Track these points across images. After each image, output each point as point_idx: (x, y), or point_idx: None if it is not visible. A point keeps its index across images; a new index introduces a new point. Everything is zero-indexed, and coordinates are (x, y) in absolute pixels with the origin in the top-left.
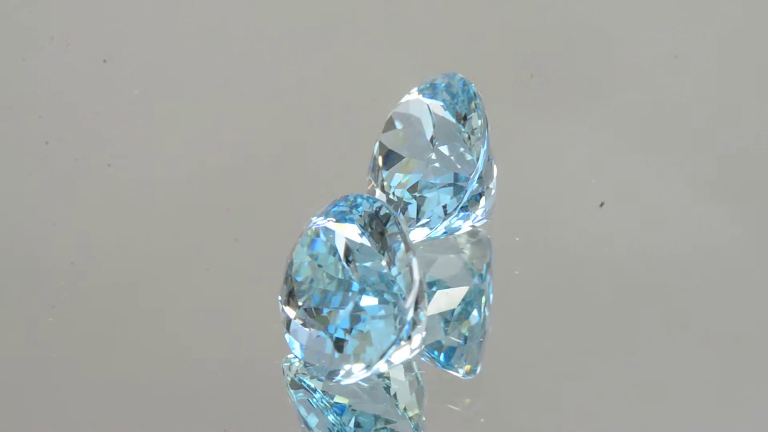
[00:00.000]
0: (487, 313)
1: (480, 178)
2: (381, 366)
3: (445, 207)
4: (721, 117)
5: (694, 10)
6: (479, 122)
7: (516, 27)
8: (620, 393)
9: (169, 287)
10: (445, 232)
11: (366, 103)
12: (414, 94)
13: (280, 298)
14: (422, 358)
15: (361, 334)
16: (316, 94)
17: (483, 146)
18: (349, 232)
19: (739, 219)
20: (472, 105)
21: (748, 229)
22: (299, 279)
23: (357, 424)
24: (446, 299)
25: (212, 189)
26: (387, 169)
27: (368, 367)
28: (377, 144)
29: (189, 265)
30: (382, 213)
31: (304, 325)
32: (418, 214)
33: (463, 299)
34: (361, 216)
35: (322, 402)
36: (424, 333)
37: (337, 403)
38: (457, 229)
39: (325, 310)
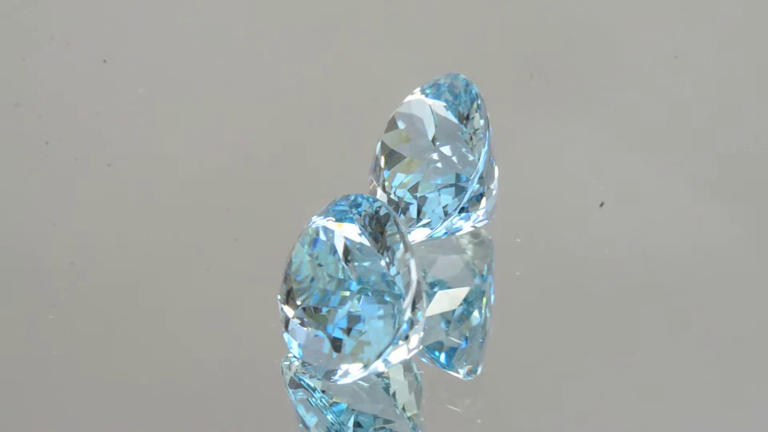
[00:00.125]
0: (488, 314)
1: (481, 178)
2: (379, 366)
3: (445, 207)
4: (721, 117)
5: (694, 10)
6: (481, 123)
7: (516, 27)
8: (620, 393)
9: (169, 287)
10: (446, 233)
11: (366, 103)
12: (416, 94)
13: (279, 297)
14: (423, 359)
15: (358, 334)
16: (316, 94)
17: (484, 147)
18: (348, 232)
19: (739, 219)
20: (474, 105)
21: (748, 229)
22: (298, 278)
23: (356, 424)
24: (447, 300)
25: (212, 189)
26: (388, 169)
27: (366, 366)
28: (379, 144)
29: (189, 265)
30: (381, 213)
31: (302, 324)
32: (419, 214)
33: (465, 300)
34: (360, 216)
35: (321, 401)
36: (421, 333)
37: (336, 402)
38: (459, 229)
39: (324, 310)
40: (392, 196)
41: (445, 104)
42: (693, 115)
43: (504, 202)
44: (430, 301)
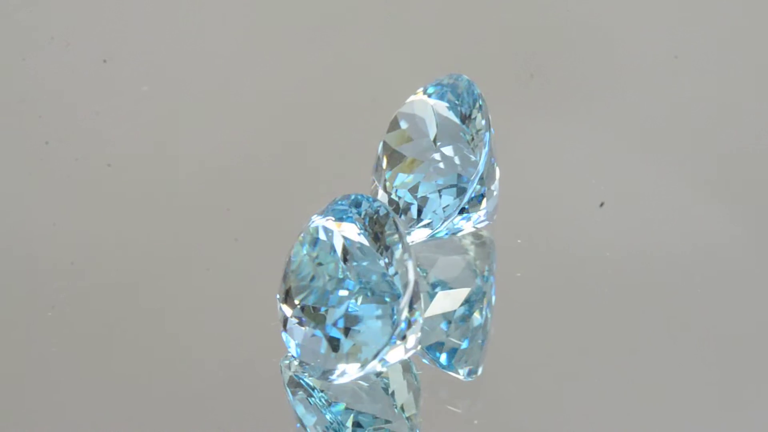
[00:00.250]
0: (489, 315)
1: (481, 179)
2: (376, 366)
3: (446, 208)
4: (721, 117)
5: (694, 10)
6: (482, 123)
7: (516, 27)
8: (621, 394)
9: (169, 287)
10: (447, 233)
11: (366, 103)
12: (419, 95)
13: (278, 296)
14: (424, 360)
15: (356, 334)
16: (316, 94)
17: (485, 148)
18: (348, 232)
19: (739, 219)
20: (476, 106)
21: (748, 229)
22: (297, 277)
23: (355, 424)
24: (448, 300)
25: (212, 189)
26: (390, 169)
27: (363, 366)
28: (381, 144)
29: (189, 265)
30: (381, 213)
31: (300, 323)
32: (420, 214)
33: (466, 300)
34: (360, 216)
35: (320, 401)
36: (419, 333)
37: (335, 402)
38: (460, 230)
39: (322, 309)
40: (393, 196)
41: (447, 105)
42: (693, 115)
43: (504, 202)
44: (431, 301)
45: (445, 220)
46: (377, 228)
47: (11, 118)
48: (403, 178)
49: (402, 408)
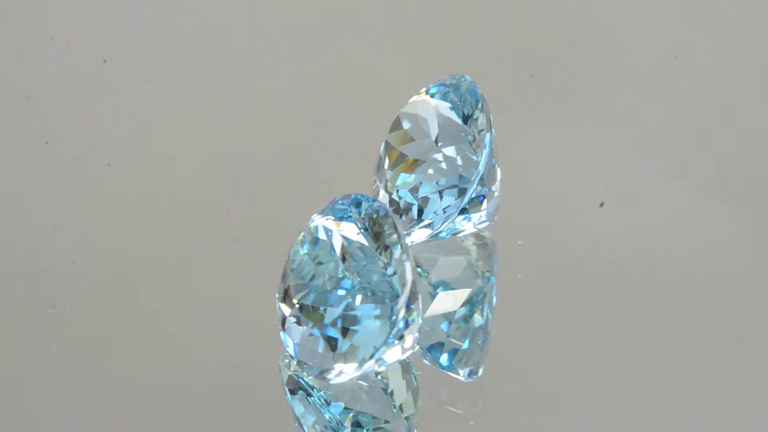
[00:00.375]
0: (490, 316)
1: (482, 180)
2: (373, 365)
3: (447, 208)
4: (721, 117)
5: (694, 10)
6: (484, 124)
7: (516, 27)
8: (621, 394)
9: (169, 287)
10: (448, 234)
11: (366, 104)
12: (422, 95)
13: (277, 295)
14: (425, 361)
15: (353, 333)
16: (316, 94)
17: (485, 148)
18: (347, 231)
19: (739, 219)
20: (478, 107)
21: (748, 229)
22: (296, 276)
23: (353, 423)
24: (449, 300)
25: (212, 189)
26: (392, 169)
27: (360, 366)
28: (383, 144)
29: (189, 265)
30: (380, 213)
31: (298, 323)
32: (421, 215)
33: (467, 301)
34: (360, 216)
35: (319, 400)
36: (417, 333)
37: (334, 401)
38: (461, 230)
39: (320, 308)
40: (394, 196)
41: (449, 105)
42: (693, 115)
43: (505, 202)
44: (431, 301)
45: (445, 221)
46: (377, 228)
47: (11, 118)
48: (405, 178)
49: (401, 408)
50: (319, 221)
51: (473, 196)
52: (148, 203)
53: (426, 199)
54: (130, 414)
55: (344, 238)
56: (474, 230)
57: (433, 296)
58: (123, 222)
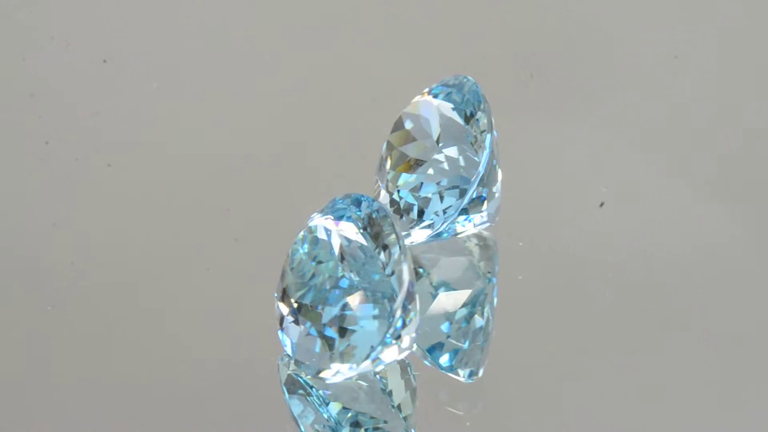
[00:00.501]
0: (490, 317)
1: (481, 180)
2: (370, 365)
3: (448, 209)
4: (721, 117)
5: (694, 10)
6: (485, 125)
7: (516, 27)
8: (622, 395)
9: (169, 287)
10: (448, 234)
11: (366, 104)
12: (424, 95)
13: (276, 294)
14: (426, 362)
15: (351, 333)
16: (316, 94)
17: (486, 149)
18: (346, 231)
19: (739, 219)
20: (480, 108)
21: (748, 229)
22: (294, 276)
23: (352, 423)
24: (450, 301)
25: (212, 189)
26: (393, 169)
27: (357, 366)
28: (385, 143)
29: (189, 265)
30: (380, 213)
31: (295, 322)
32: (421, 215)
33: (467, 302)
34: (359, 216)
35: (318, 399)
36: (414, 334)
37: (332, 401)
38: (461, 231)
39: (318, 308)
40: (395, 197)
41: (452, 106)
42: (693, 115)
43: (505, 203)
44: (432, 302)
45: (446, 222)
46: (376, 228)
47: (11, 118)
48: (406, 179)
49: (399, 408)
50: (318, 221)
51: (474, 196)
52: (148, 203)
53: (427, 200)
54: (130, 414)
55: (343, 237)
56: (475, 231)
57: (434, 297)
58: (123, 222)
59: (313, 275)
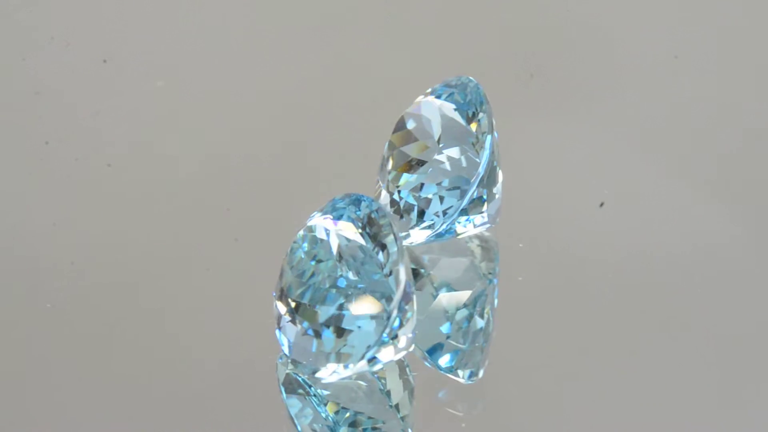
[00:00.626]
0: (490, 317)
1: (482, 181)
2: (367, 365)
3: (448, 209)
4: (721, 117)
5: (694, 10)
6: (486, 126)
7: (516, 27)
8: (622, 396)
9: (169, 287)
10: (449, 235)
11: (366, 104)
12: (427, 95)
13: (274, 293)
14: (426, 363)
15: (347, 333)
16: (316, 94)
17: (486, 150)
18: (345, 231)
19: (739, 219)
20: (482, 109)
21: (748, 229)
22: (293, 275)
23: (349, 423)
24: (450, 301)
25: (212, 189)
26: (395, 169)
27: (353, 365)
28: (387, 143)
29: (189, 265)
30: (378, 213)
31: (292, 321)
32: (422, 216)
33: (468, 302)
34: (358, 215)
35: (316, 399)
36: (410, 334)
37: (330, 400)
38: (462, 232)
39: (315, 307)
40: (395, 197)
41: (454, 106)
42: (693, 115)
43: (505, 204)
44: (433, 302)
45: (446, 222)
46: (374, 228)
47: (11, 118)
48: (407, 179)
49: (397, 408)
50: (318, 220)
51: (475, 197)
52: (148, 203)
53: (427, 200)
54: (129, 414)
55: (342, 237)
56: (475, 232)
57: (434, 297)
58: (123, 222)
59: (312, 274)
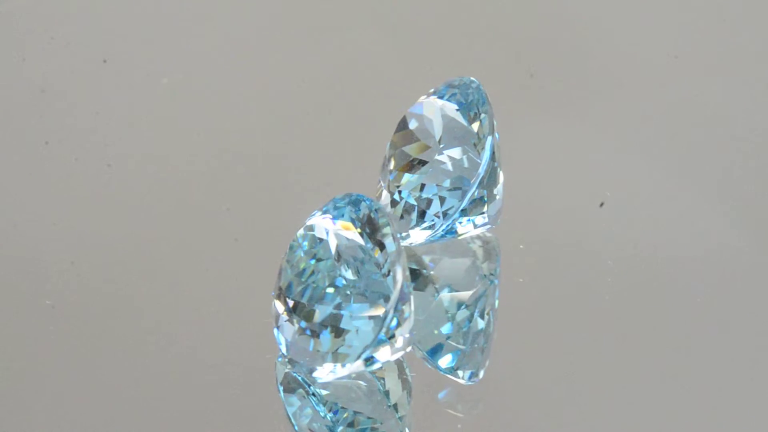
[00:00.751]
0: (491, 318)
1: (482, 182)
2: (364, 365)
3: (448, 210)
4: (721, 117)
5: (694, 10)
6: (487, 127)
7: (516, 27)
8: (622, 397)
9: (168, 287)
10: (449, 235)
11: (367, 104)
12: (430, 96)
13: (273, 292)
14: (427, 364)
15: (344, 332)
16: (316, 94)
17: (486, 151)
18: (344, 231)
19: (740, 219)
20: (484, 110)
21: (749, 229)
22: (291, 274)
23: (348, 422)
24: (451, 302)
25: (212, 189)
26: (396, 169)
27: (350, 365)
28: (389, 143)
29: (189, 265)
30: (378, 214)
31: (290, 321)
32: (423, 216)
33: (469, 303)
34: (358, 215)
35: (314, 399)
36: (408, 334)
37: (329, 400)
38: (463, 233)
39: (312, 307)
40: (396, 197)
41: (456, 107)
42: (693, 115)
43: (506, 205)
44: (434, 302)
45: (446, 223)
46: (373, 228)
47: (11, 118)
48: (408, 179)
49: (395, 408)
50: (317, 219)
51: (476, 198)
52: (148, 203)
53: (428, 201)
54: (129, 413)
55: (341, 237)
56: (476, 233)
57: (435, 297)
58: (123, 222)
59: (311, 273)
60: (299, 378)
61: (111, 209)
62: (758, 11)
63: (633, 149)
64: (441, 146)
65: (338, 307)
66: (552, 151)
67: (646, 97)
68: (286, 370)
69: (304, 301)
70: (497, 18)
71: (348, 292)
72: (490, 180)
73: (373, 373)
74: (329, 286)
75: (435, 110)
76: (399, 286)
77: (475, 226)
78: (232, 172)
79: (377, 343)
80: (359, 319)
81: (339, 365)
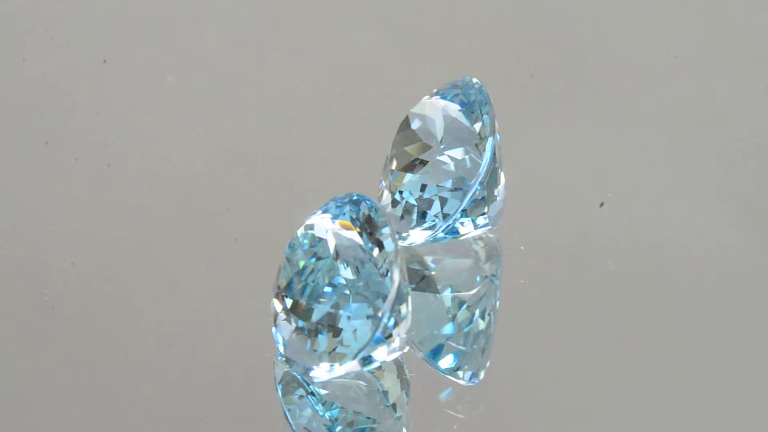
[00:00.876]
0: (492, 319)
1: (482, 183)
2: (360, 364)
3: (449, 210)
4: (721, 117)
5: (694, 10)
6: (488, 128)
7: (516, 27)
8: (623, 398)
9: (168, 287)
10: (450, 235)
11: (367, 104)
12: (432, 96)
13: (272, 292)
14: (429, 366)
15: (341, 332)
16: (317, 94)
17: (488, 152)
18: (343, 230)
19: (740, 219)
20: (486, 111)
21: (749, 229)
22: (290, 273)
23: (347, 422)
24: (452, 303)
25: (212, 189)
26: (398, 169)
27: (347, 364)
28: (391, 143)
29: (188, 265)
30: (377, 213)
31: (287, 320)
32: (423, 216)
33: (469, 304)
34: (357, 215)
35: (313, 398)
36: (405, 334)
37: (327, 399)
38: (463, 233)
39: (310, 306)
40: (397, 197)
41: (459, 107)
42: (693, 115)
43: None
44: (435, 303)
45: (446, 223)
46: (372, 228)
47: (11, 118)
48: (409, 179)
49: (393, 407)
50: (317, 219)
51: (477, 198)
52: (147, 203)
53: (428, 201)
54: (129, 413)
55: (340, 236)
56: (477, 233)
57: (437, 298)
58: (123, 222)
59: (309, 272)
60: (298, 377)
61: (111, 209)
62: (758, 11)
63: (633, 149)
64: (442, 146)
65: (336, 306)
66: (552, 151)
67: (646, 97)
68: (285, 369)
69: (302, 300)
70: (497, 18)
71: (346, 292)
72: (491, 180)
73: (372, 372)
74: (328, 285)
75: (437, 110)
76: (396, 285)
77: (476, 227)
78: (232, 172)
79: (374, 342)
80: (356, 318)
81: (336, 365)
